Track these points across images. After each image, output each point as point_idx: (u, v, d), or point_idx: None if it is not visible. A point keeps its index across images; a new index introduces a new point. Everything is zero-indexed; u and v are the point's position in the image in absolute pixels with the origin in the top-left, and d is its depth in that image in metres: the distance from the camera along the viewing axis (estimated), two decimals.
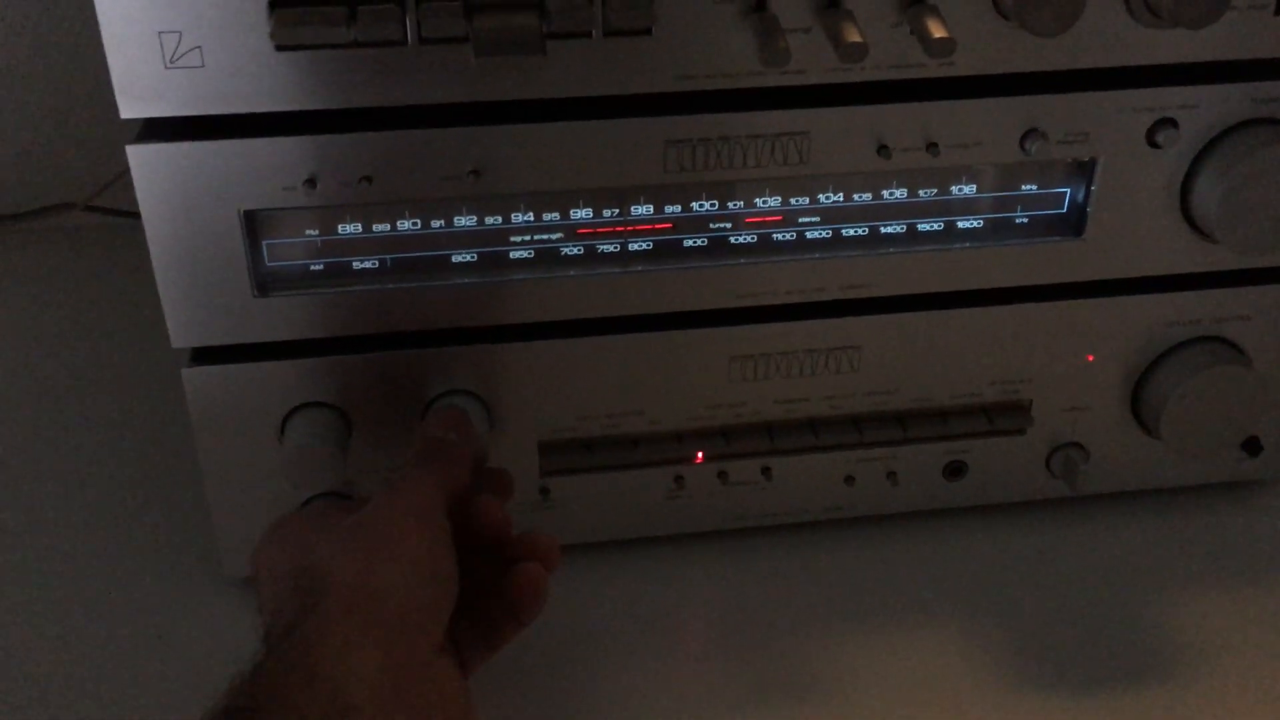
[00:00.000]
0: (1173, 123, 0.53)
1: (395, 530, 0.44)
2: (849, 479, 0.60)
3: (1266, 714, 0.53)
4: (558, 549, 0.49)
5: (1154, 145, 0.53)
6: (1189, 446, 0.59)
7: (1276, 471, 0.64)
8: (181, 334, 0.52)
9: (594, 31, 0.47)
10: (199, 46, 0.46)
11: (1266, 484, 0.65)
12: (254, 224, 0.50)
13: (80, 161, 0.86)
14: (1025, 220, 0.56)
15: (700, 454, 0.59)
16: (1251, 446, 0.62)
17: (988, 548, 0.62)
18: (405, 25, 0.46)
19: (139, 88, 0.46)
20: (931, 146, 0.52)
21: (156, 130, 0.48)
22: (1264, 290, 0.58)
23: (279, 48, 0.46)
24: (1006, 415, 0.60)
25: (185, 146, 0.48)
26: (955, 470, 0.61)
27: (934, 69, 0.50)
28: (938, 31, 0.47)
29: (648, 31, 0.47)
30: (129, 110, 0.47)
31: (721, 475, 0.59)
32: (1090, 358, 0.59)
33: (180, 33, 0.46)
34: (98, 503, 0.64)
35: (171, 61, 0.46)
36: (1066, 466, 0.61)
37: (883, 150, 0.52)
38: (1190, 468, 0.63)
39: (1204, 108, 0.53)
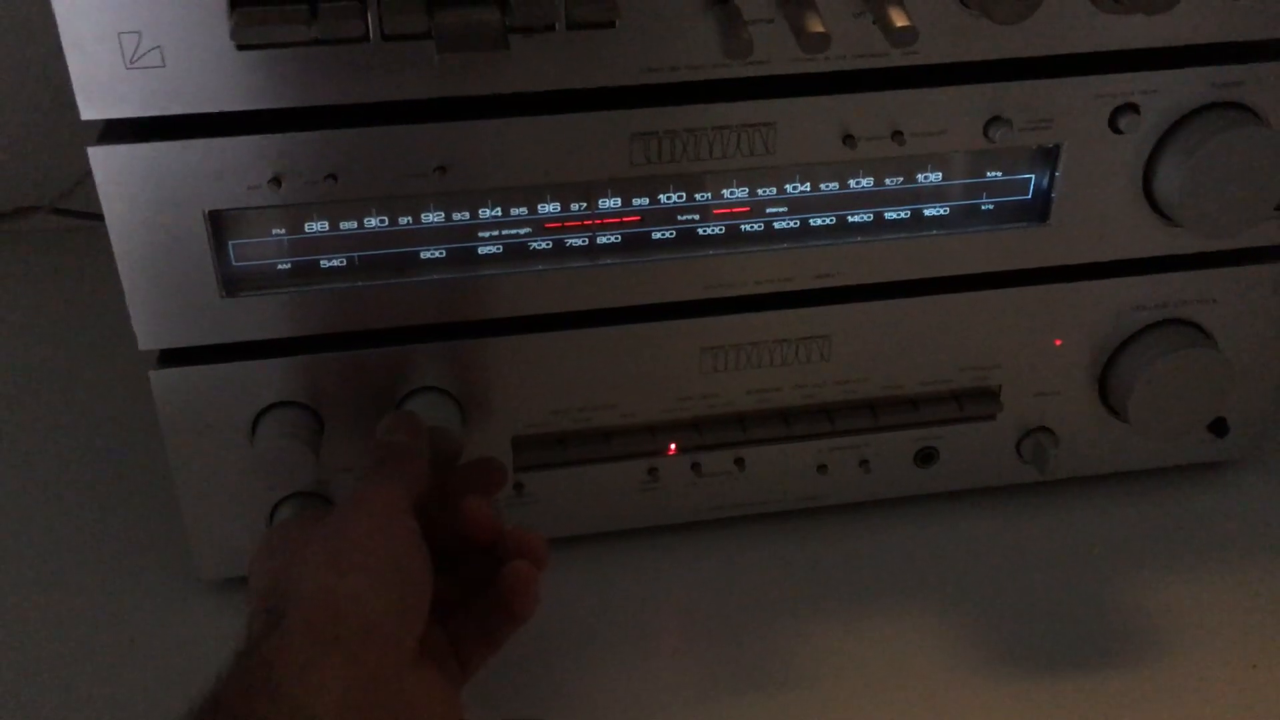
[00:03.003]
0: (1134, 108, 0.53)
1: (356, 539, 0.43)
2: (822, 468, 0.61)
3: (1237, 690, 0.54)
4: (546, 546, 0.49)
5: (1116, 130, 0.53)
6: (1157, 429, 0.60)
7: (1244, 452, 0.65)
8: (149, 336, 0.52)
9: (557, 25, 0.47)
10: (159, 46, 0.46)
11: (1234, 464, 0.66)
12: (219, 224, 0.50)
13: (46, 164, 0.85)
14: (991, 207, 0.56)
15: (673, 446, 0.59)
16: (1218, 428, 0.63)
17: (960, 533, 0.62)
18: (367, 22, 0.46)
19: (99, 89, 0.46)
20: (897, 135, 0.52)
21: (118, 131, 0.48)
22: (1228, 273, 0.58)
23: (240, 47, 0.45)
24: (976, 401, 0.60)
25: (147, 147, 0.48)
26: (927, 457, 0.61)
27: (898, 58, 0.51)
28: (900, 20, 0.47)
29: (611, 25, 0.47)
30: (90, 111, 0.46)
31: (695, 467, 0.60)
32: (1058, 342, 0.59)
33: (140, 33, 0.45)
34: (68, 507, 0.64)
35: (132, 62, 0.46)
36: (1036, 451, 0.61)
37: (848, 140, 0.52)
38: (1158, 450, 0.64)
39: (1165, 93, 0.53)
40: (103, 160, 0.48)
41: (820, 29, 0.47)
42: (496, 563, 0.48)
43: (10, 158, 0.86)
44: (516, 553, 0.48)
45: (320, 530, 0.44)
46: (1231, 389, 0.59)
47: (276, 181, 0.49)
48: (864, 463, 0.61)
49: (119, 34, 0.45)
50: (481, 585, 0.48)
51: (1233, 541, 0.62)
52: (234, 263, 0.51)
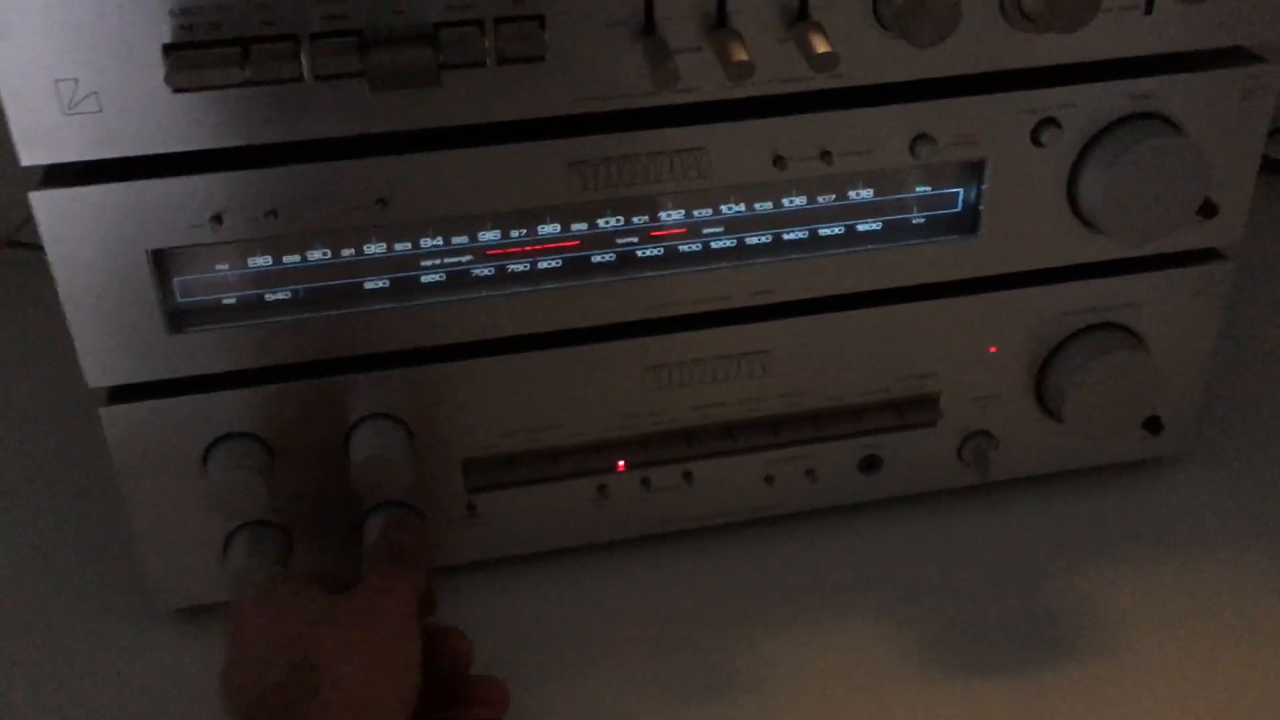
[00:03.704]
0: (1055, 122, 0.55)
1: (390, 642, 0.48)
2: (769, 479, 0.62)
3: (1180, 683, 0.56)
4: (508, 698, 0.52)
5: (1039, 144, 0.55)
6: (1092, 430, 0.62)
7: (1179, 447, 0.67)
8: (97, 374, 0.52)
9: (488, 61, 0.48)
10: (95, 92, 0.46)
11: (1171, 460, 0.68)
12: (162, 262, 0.51)
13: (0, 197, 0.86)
14: (922, 221, 0.58)
15: (622, 462, 0.60)
16: (1152, 425, 0.64)
17: (906, 537, 0.64)
18: (300, 63, 0.47)
19: (38, 135, 0.47)
20: (825, 155, 0.54)
21: (59, 176, 0.49)
22: (1152, 277, 0.60)
23: (175, 90, 0.46)
24: (916, 408, 0.62)
25: (88, 190, 0.48)
26: (871, 464, 0.63)
27: (823, 81, 0.52)
28: (821, 47, 0.49)
29: (541, 59, 0.49)
30: (29, 158, 0.47)
31: (644, 482, 0.61)
32: (993, 349, 0.61)
33: (76, 79, 0.46)
34: (21, 541, 0.64)
35: (70, 108, 0.46)
36: (977, 454, 0.63)
37: (779, 161, 0.54)
38: (1097, 448, 0.65)
39: (1083, 106, 0.55)
40: (45, 205, 0.48)
41: (745, 57, 0.48)
42: (451, 693, 0.51)
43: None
44: (480, 697, 0.52)
45: (350, 617, 0.48)
46: (1160, 389, 0.61)
47: (218, 219, 0.50)
48: (810, 472, 0.62)
49: (56, 81, 0.46)
50: (432, 708, 0.50)
51: (1172, 535, 0.64)
52: (179, 299, 0.52)
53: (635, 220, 0.55)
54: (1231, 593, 0.60)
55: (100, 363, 0.52)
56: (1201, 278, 0.61)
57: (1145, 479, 0.67)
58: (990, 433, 0.63)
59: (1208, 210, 0.57)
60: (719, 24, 0.50)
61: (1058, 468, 0.66)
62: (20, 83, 0.46)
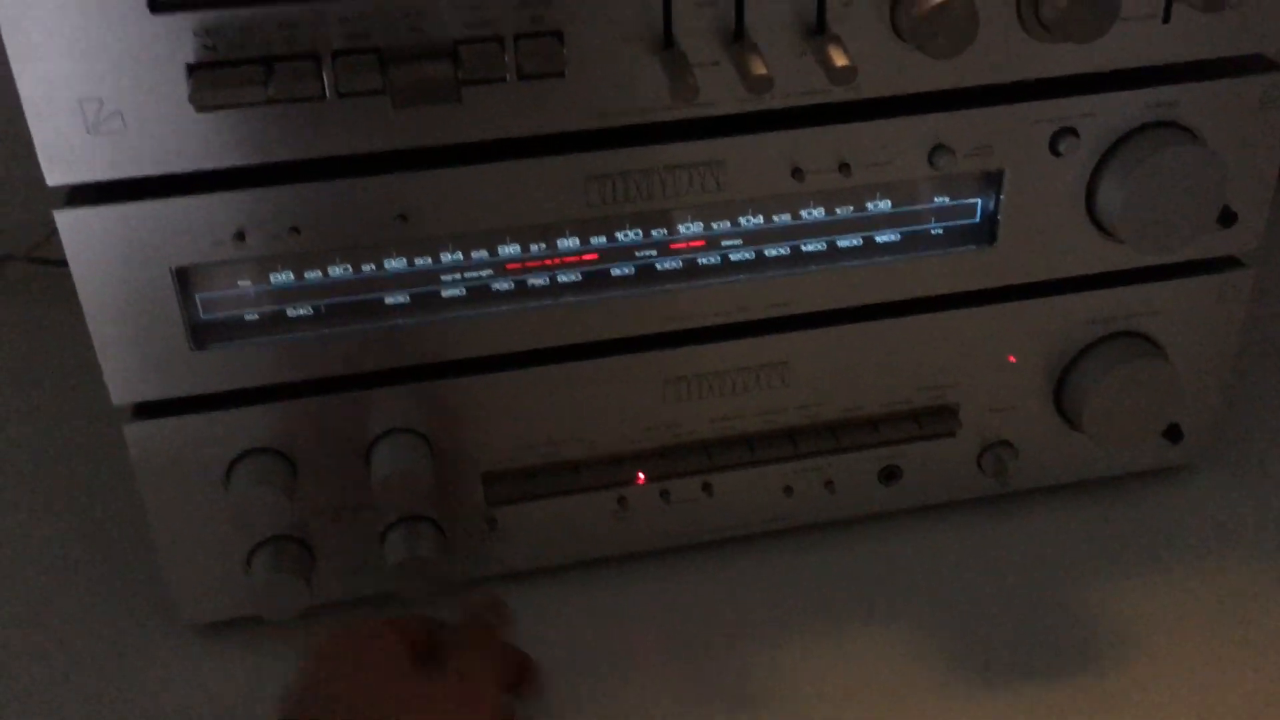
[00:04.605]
0: (1073, 131, 0.55)
1: None
2: (788, 490, 0.62)
3: (1201, 694, 0.56)
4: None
5: (1056, 154, 0.55)
6: (1112, 439, 0.62)
7: (1199, 456, 0.66)
8: (121, 391, 0.53)
9: (508, 76, 0.48)
10: (120, 112, 0.47)
11: (1191, 468, 0.68)
12: (186, 279, 0.51)
13: (21, 212, 0.86)
14: (940, 231, 0.58)
15: (641, 475, 0.60)
16: (1173, 434, 0.64)
17: (926, 547, 0.64)
18: (322, 81, 0.47)
19: (63, 155, 0.47)
20: (844, 167, 0.54)
21: (84, 194, 0.49)
22: (1172, 285, 0.60)
23: (200, 110, 0.46)
24: (935, 419, 0.62)
25: (112, 209, 0.49)
26: (890, 475, 0.63)
27: (841, 93, 0.52)
28: (839, 60, 0.49)
29: (560, 74, 0.49)
30: (54, 178, 0.48)
31: (664, 494, 0.61)
32: (1012, 359, 0.61)
33: (101, 99, 0.46)
34: (47, 556, 0.65)
35: (94, 128, 0.47)
36: (996, 464, 0.63)
37: (797, 173, 0.54)
38: (1116, 458, 0.65)
39: (1102, 115, 0.55)
40: (69, 223, 0.49)
41: (763, 71, 0.48)
42: None
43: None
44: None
45: (427, 701, 0.48)
46: (1181, 397, 0.61)
47: (240, 236, 0.50)
48: (829, 483, 0.62)
49: (80, 101, 0.46)
50: None
51: (1192, 543, 0.64)
52: (202, 316, 0.53)
53: (654, 233, 0.55)
54: (1252, 602, 0.60)
55: (125, 379, 0.53)
56: (1221, 285, 0.61)
57: (1165, 487, 0.67)
58: (1010, 442, 0.63)
59: (1226, 218, 0.57)
60: (737, 37, 0.50)
61: (1078, 477, 0.66)
62: (46, 103, 0.46)
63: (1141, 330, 0.61)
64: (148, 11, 0.45)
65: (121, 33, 0.45)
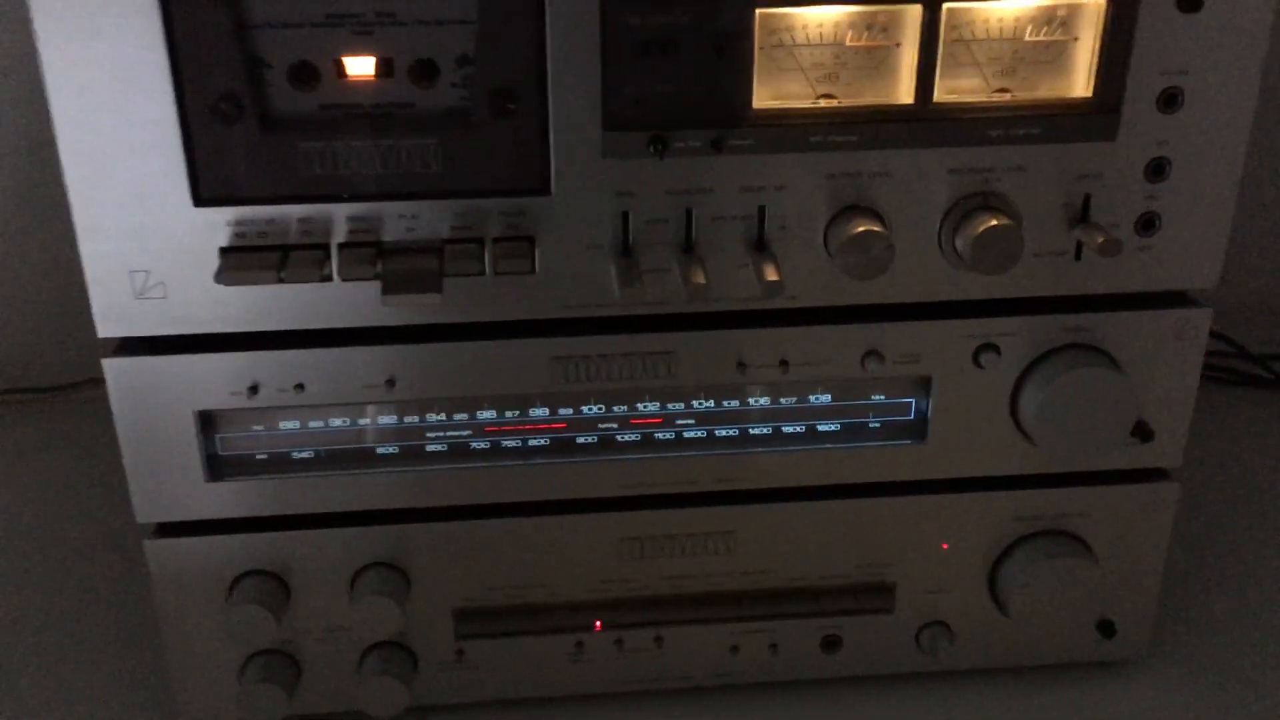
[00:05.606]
0: (994, 348, 0.61)
1: None
2: (734, 649, 0.68)
3: None
4: None
5: (979, 366, 0.61)
6: (1042, 629, 0.66)
7: (1135, 651, 0.70)
8: (145, 511, 0.62)
9: (486, 271, 0.57)
10: (163, 282, 0.57)
11: (1130, 663, 0.71)
12: (207, 422, 0.60)
13: (93, 342, 0.99)
14: (878, 425, 0.64)
15: (599, 623, 0.66)
16: (1105, 629, 0.68)
17: (865, 717, 0.68)
18: (327, 267, 0.56)
19: (114, 314, 0.57)
20: (783, 364, 0.61)
21: (128, 346, 0.59)
22: (1098, 491, 0.65)
23: (224, 284, 0.56)
24: (872, 595, 0.67)
25: (150, 360, 0.58)
26: (831, 643, 0.68)
27: (782, 301, 0.59)
28: (770, 275, 0.56)
29: (531, 272, 0.57)
30: (105, 331, 0.57)
31: (618, 642, 0.67)
32: (945, 546, 0.66)
33: (148, 271, 0.56)
34: (66, 651, 0.73)
35: (140, 294, 0.57)
36: (932, 643, 0.67)
37: (741, 366, 0.61)
38: (1053, 647, 0.69)
39: (1021, 334, 0.61)
40: (114, 370, 0.58)
41: (701, 281, 0.56)
42: None
43: (63, 337, 1.00)
44: None
45: None
46: (1107, 595, 0.65)
47: (254, 389, 0.59)
48: (773, 646, 0.68)
49: (131, 272, 0.56)
50: None
51: None
52: (219, 453, 0.61)
53: (615, 409, 0.62)
54: None
55: (149, 502, 0.61)
56: (1146, 495, 0.65)
57: (1102, 679, 0.70)
58: (946, 624, 0.68)
59: (1143, 434, 0.62)
60: (686, 250, 0.58)
61: (1015, 663, 0.69)
62: (103, 272, 0.56)
63: (1071, 530, 0.66)
64: (192, 204, 0.55)
65: (169, 220, 0.55)
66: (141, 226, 0.55)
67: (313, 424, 0.62)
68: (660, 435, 0.63)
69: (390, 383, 0.60)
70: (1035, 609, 0.65)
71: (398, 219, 0.56)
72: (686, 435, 0.63)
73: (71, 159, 0.54)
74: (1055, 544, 0.65)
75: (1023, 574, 0.64)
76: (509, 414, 0.62)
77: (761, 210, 0.57)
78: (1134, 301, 0.61)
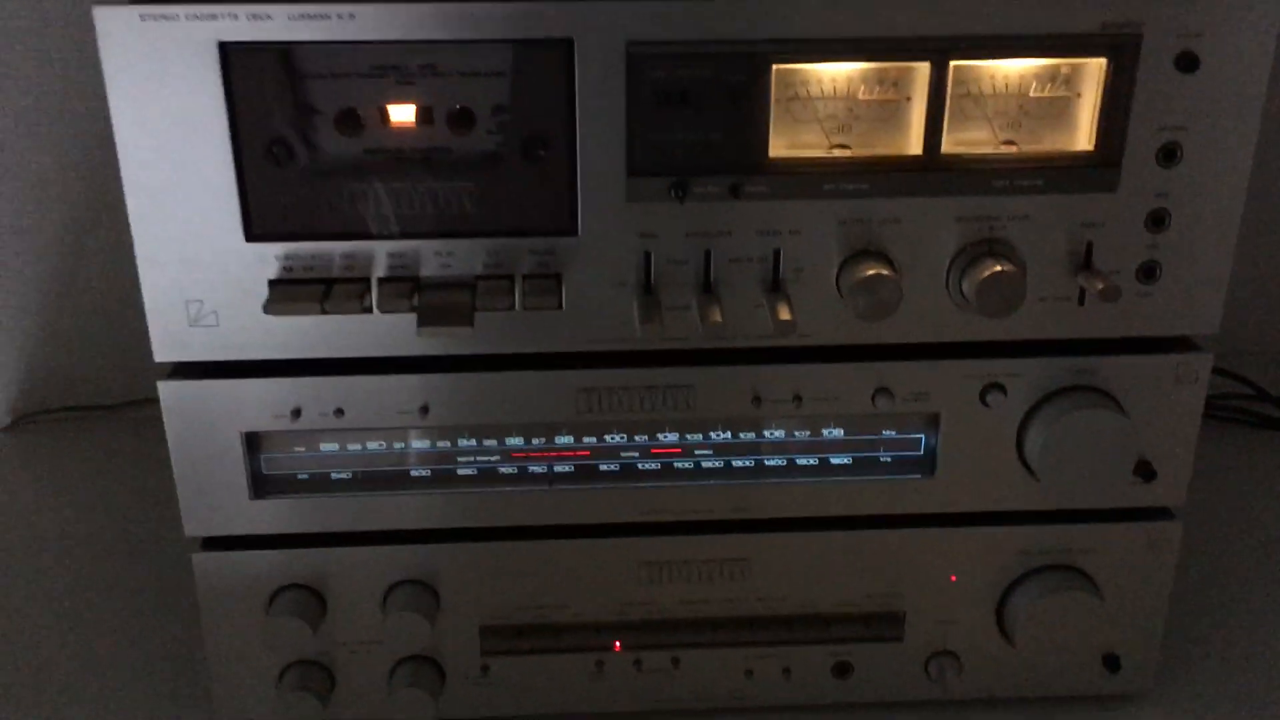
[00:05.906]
0: (1001, 387, 0.63)
1: None
2: (749, 672, 0.70)
3: None
4: None
5: (986, 405, 0.64)
6: (1047, 662, 0.68)
7: (1140, 686, 0.71)
8: (194, 525, 0.65)
9: (515, 306, 0.60)
10: (215, 311, 0.61)
11: (1135, 698, 0.72)
12: (253, 442, 0.64)
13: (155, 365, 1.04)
14: (888, 460, 0.66)
15: (618, 643, 0.69)
16: (1110, 663, 0.70)
17: None
18: (367, 300, 0.60)
19: (169, 340, 0.61)
20: (797, 399, 0.64)
21: (181, 370, 0.63)
22: (1103, 528, 0.67)
23: (271, 314, 0.60)
24: (882, 624, 0.69)
25: (201, 384, 0.62)
26: (843, 669, 0.70)
27: (796, 339, 0.62)
28: (783, 314, 0.59)
29: (558, 308, 0.61)
30: (161, 356, 0.61)
31: (637, 663, 0.70)
32: (954, 578, 0.68)
33: (202, 301, 0.60)
34: (110, 655, 0.77)
35: (194, 322, 0.61)
36: (941, 672, 0.69)
37: (756, 401, 0.64)
38: (1060, 679, 0.71)
39: (1027, 375, 0.63)
40: (168, 392, 0.62)
41: (719, 319, 0.59)
42: None
43: (120, 359, 1.05)
44: None
45: None
46: (1112, 631, 0.67)
47: (297, 413, 0.63)
48: (786, 670, 0.70)
49: (186, 301, 0.60)
50: None
51: None
52: (263, 472, 0.65)
53: (636, 438, 0.66)
54: None
55: (197, 517, 0.65)
56: (1150, 533, 0.67)
57: (1107, 713, 0.72)
58: (955, 653, 0.70)
59: (1145, 473, 0.64)
60: (705, 289, 0.61)
61: (1022, 693, 0.71)
62: (161, 301, 0.60)
63: (1076, 565, 0.68)
64: (244, 240, 0.59)
65: (223, 253, 0.60)
66: (197, 259, 0.60)
67: (351, 447, 0.65)
68: (679, 465, 0.66)
69: (424, 409, 0.63)
70: (1041, 641, 0.67)
71: (434, 256, 0.60)
72: (704, 465, 0.66)
73: (135, 195, 0.58)
74: (1061, 578, 0.67)
75: (1028, 607, 0.66)
76: (536, 441, 0.66)
77: (777, 253, 0.60)
78: (1137, 345, 0.63)
